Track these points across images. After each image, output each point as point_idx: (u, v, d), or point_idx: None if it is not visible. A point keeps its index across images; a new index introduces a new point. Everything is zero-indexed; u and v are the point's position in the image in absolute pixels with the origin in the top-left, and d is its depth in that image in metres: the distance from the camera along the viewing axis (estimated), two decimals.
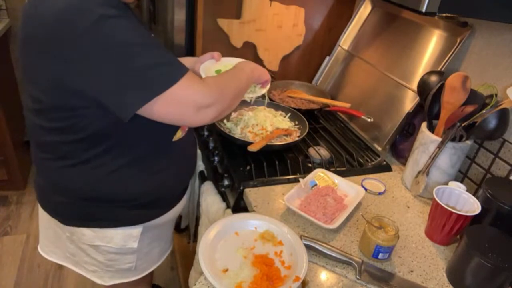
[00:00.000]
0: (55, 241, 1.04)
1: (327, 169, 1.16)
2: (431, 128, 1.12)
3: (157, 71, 0.74)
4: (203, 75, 1.09)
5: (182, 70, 0.78)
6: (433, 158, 1.06)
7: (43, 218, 1.02)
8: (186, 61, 1.20)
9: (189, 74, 0.79)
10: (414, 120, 1.28)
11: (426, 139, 1.09)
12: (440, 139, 1.05)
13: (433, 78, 1.14)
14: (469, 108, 1.02)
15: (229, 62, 1.22)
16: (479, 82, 1.11)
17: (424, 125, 1.13)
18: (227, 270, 0.79)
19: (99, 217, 0.93)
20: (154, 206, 1.00)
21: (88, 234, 0.95)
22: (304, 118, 1.38)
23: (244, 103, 1.45)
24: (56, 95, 0.79)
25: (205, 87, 0.80)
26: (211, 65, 1.17)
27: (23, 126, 2.59)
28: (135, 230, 0.98)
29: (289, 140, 1.26)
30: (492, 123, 1.00)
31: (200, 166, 1.39)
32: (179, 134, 0.97)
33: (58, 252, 1.06)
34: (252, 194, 1.06)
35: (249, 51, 1.65)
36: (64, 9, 0.69)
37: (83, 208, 0.91)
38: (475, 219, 0.90)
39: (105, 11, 0.70)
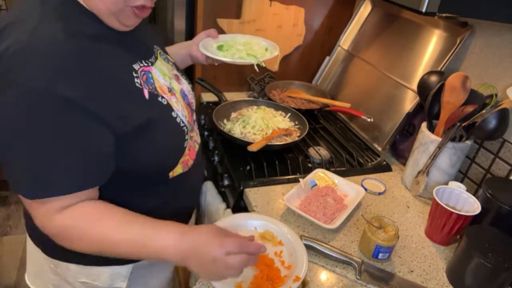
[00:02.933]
0: (38, 270, 0.93)
1: (327, 169, 1.16)
2: (431, 128, 1.12)
3: (20, 175, 0.65)
4: (205, 52, 1.03)
5: (51, 192, 0.65)
6: (433, 158, 1.06)
7: (29, 245, 0.92)
8: (180, 46, 1.12)
9: (56, 201, 0.66)
10: (414, 120, 1.28)
11: (426, 139, 1.09)
12: (440, 139, 1.05)
13: (433, 78, 1.14)
14: (469, 108, 1.02)
15: (231, 38, 1.15)
16: (479, 82, 1.11)
17: (424, 125, 1.13)
18: None
19: (84, 253, 0.77)
20: None
21: (73, 269, 0.86)
22: (304, 118, 1.38)
23: (244, 103, 1.46)
24: None
25: (47, 223, 0.68)
26: (210, 41, 1.09)
27: None
28: (124, 270, 0.88)
29: (289, 140, 1.26)
30: (492, 123, 1.00)
31: None
32: (179, 170, 0.84)
33: (39, 283, 0.94)
34: (252, 194, 1.06)
35: None
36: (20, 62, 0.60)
37: None
38: (475, 219, 0.90)
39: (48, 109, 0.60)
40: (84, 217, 0.69)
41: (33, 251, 0.91)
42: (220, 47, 1.11)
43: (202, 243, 0.68)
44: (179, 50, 1.11)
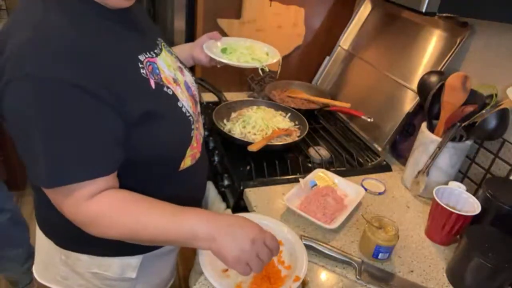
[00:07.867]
0: (47, 262, 0.95)
1: (327, 169, 1.16)
2: (431, 128, 1.12)
3: (44, 164, 0.65)
4: (210, 54, 1.06)
5: (74, 177, 0.66)
6: (433, 158, 1.06)
7: (39, 236, 0.94)
8: (182, 48, 1.15)
9: (82, 189, 0.67)
10: (414, 120, 1.28)
11: (426, 139, 1.09)
12: (440, 139, 1.05)
13: (433, 78, 1.14)
14: (469, 108, 1.02)
15: (234, 42, 1.17)
16: (479, 82, 1.11)
17: (424, 125, 1.13)
18: (227, 270, 0.79)
19: (96, 244, 0.80)
20: None
21: (85, 260, 0.88)
22: (304, 118, 1.38)
23: (244, 103, 1.46)
24: None
25: (77, 211, 0.68)
26: (214, 43, 1.11)
27: None
28: (134, 260, 0.91)
29: (289, 140, 1.26)
30: (492, 123, 1.00)
31: None
32: (188, 162, 0.87)
33: (47, 275, 0.96)
34: (252, 194, 1.06)
35: None
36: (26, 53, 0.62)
37: (80, 232, 0.75)
38: (475, 219, 0.90)
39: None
40: (115, 203, 0.70)
41: (43, 243, 0.93)
42: (224, 50, 1.13)
43: (240, 223, 0.70)
44: (181, 51, 1.12)
